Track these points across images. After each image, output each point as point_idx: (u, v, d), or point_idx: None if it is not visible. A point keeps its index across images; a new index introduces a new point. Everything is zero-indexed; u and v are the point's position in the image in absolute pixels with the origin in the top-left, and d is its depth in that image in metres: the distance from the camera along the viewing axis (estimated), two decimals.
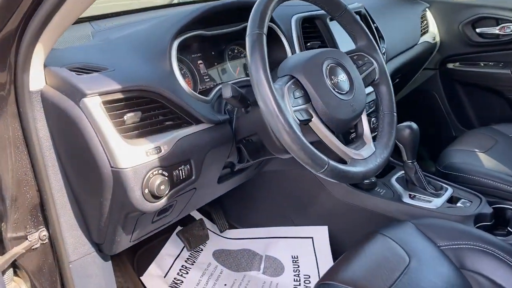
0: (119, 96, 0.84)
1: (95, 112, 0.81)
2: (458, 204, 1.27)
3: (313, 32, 1.29)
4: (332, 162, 0.82)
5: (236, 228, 1.69)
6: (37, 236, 0.96)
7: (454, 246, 1.07)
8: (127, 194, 0.84)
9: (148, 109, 0.89)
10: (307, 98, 0.86)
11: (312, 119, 0.85)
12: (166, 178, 0.88)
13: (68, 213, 0.95)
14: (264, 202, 1.59)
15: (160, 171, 0.87)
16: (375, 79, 1.03)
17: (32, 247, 0.96)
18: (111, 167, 0.82)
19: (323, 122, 0.86)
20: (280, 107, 0.78)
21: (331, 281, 0.97)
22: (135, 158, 0.83)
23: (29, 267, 0.98)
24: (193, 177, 0.95)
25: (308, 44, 1.24)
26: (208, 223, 1.67)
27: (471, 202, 1.27)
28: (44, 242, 0.97)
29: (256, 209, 1.63)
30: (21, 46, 0.80)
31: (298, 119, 0.83)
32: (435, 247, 1.07)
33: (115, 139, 0.81)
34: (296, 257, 1.51)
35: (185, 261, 1.57)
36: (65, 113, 0.83)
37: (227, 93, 0.89)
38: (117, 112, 0.84)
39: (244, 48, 1.25)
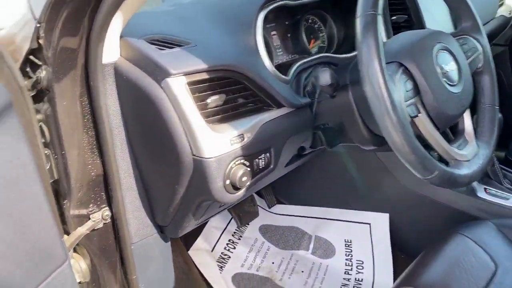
0: (204, 76, 0.75)
1: (180, 94, 0.72)
2: None
3: (397, 5, 1.16)
4: (442, 167, 0.72)
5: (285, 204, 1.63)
6: (100, 216, 0.90)
7: None
8: (207, 185, 0.76)
9: (231, 91, 0.79)
10: (416, 91, 0.75)
11: (419, 115, 0.75)
12: (248, 168, 0.80)
13: (133, 194, 0.88)
14: (318, 181, 1.52)
15: (242, 161, 0.79)
16: (478, 67, 0.91)
17: (95, 228, 0.90)
18: (193, 155, 0.74)
19: (431, 118, 0.76)
20: (394, 103, 0.68)
21: (410, 286, 0.90)
22: (219, 146, 0.75)
23: (90, 246, 0.94)
24: (272, 166, 0.87)
25: (393, 18, 1.11)
26: (256, 198, 1.60)
27: None
28: (107, 222, 0.92)
29: (309, 187, 1.55)
30: (99, 12, 0.70)
31: (410, 116, 0.73)
32: None
33: (199, 126, 0.73)
34: (349, 241, 1.45)
35: (232, 235, 1.53)
36: (143, 91, 0.74)
37: (326, 79, 0.79)
38: (201, 94, 0.75)
39: (320, 19, 1.14)
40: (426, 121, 0.76)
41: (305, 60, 0.96)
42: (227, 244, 1.50)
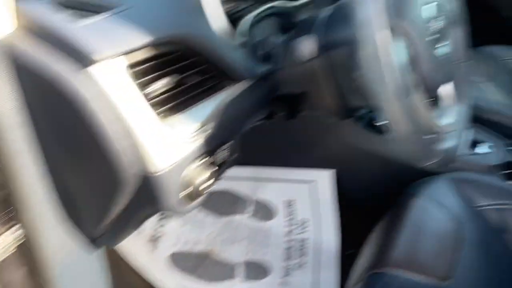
0: (147, 54, 0.52)
1: (119, 83, 0.49)
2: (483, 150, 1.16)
3: None
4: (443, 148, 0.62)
5: None
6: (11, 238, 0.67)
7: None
8: (158, 202, 0.57)
9: (181, 70, 0.58)
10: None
11: None
12: (212, 167, 0.61)
13: (49, 208, 0.66)
14: (253, 137, 1.36)
15: (204, 160, 0.60)
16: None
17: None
18: (139, 170, 0.53)
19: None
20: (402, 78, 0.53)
21: (384, 268, 0.82)
22: (175, 150, 0.55)
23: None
24: (236, 154, 0.69)
25: None
26: None
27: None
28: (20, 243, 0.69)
29: (242, 144, 1.39)
30: None
31: None
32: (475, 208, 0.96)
33: (149, 125, 0.52)
34: (292, 201, 1.36)
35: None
36: (53, 86, 0.50)
37: (309, 51, 0.61)
38: (145, 79, 0.53)
39: None
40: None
41: (258, 11, 0.76)
42: (158, 221, 1.32)
